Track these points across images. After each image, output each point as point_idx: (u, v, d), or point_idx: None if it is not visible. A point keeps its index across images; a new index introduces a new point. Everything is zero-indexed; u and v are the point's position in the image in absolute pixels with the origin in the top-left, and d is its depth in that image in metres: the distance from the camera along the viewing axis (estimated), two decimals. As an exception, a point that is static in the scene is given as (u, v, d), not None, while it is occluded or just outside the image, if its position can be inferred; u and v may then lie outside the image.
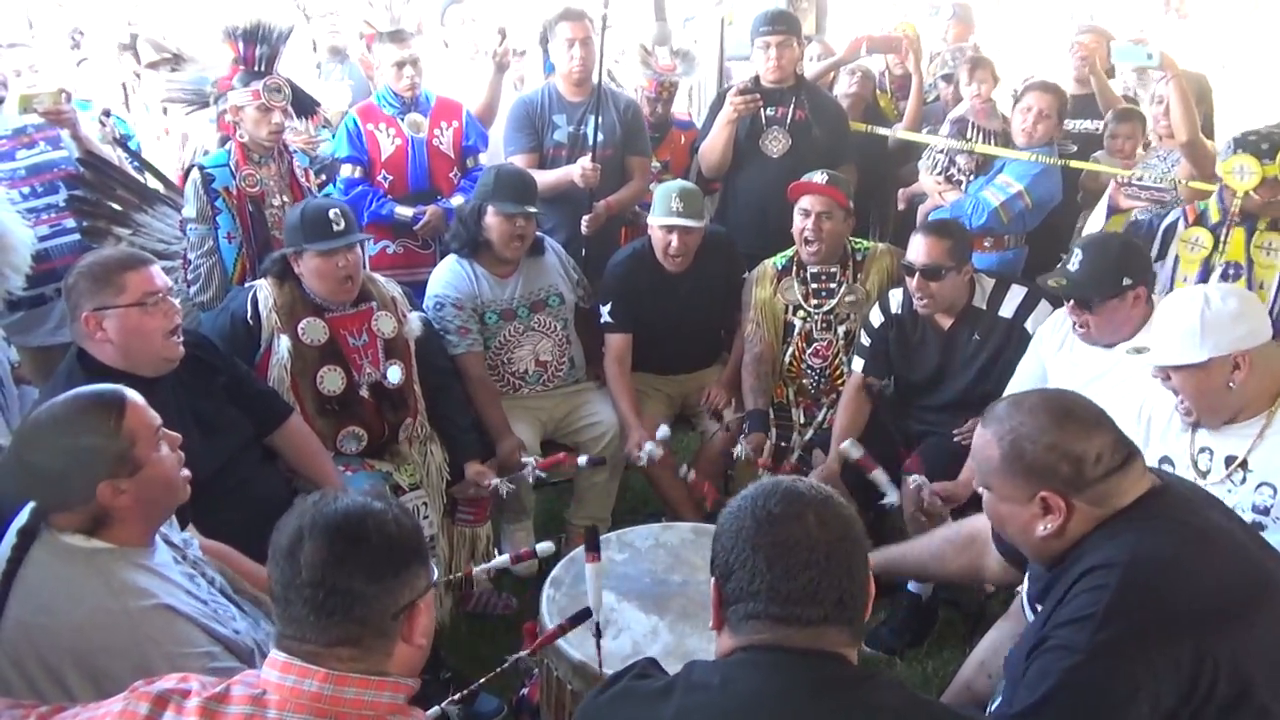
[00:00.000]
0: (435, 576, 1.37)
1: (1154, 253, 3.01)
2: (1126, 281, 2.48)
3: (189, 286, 3.27)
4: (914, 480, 2.74)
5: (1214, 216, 3.10)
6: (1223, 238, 3.00)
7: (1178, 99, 3.70)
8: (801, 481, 1.32)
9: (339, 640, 1.24)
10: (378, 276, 3.05)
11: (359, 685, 1.23)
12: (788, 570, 1.21)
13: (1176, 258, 3.04)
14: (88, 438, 1.61)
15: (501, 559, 2.39)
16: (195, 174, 3.18)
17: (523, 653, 2.07)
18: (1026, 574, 1.83)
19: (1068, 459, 1.50)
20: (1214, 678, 1.39)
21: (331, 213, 2.73)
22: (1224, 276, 3.01)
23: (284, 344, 2.72)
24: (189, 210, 3.20)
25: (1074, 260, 2.57)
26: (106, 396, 1.68)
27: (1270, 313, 2.77)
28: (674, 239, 3.25)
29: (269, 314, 2.73)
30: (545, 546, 2.34)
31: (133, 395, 1.71)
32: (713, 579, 1.30)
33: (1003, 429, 1.57)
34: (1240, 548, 1.54)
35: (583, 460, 3.07)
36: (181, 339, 2.31)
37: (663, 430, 3.15)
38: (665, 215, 3.24)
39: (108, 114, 3.97)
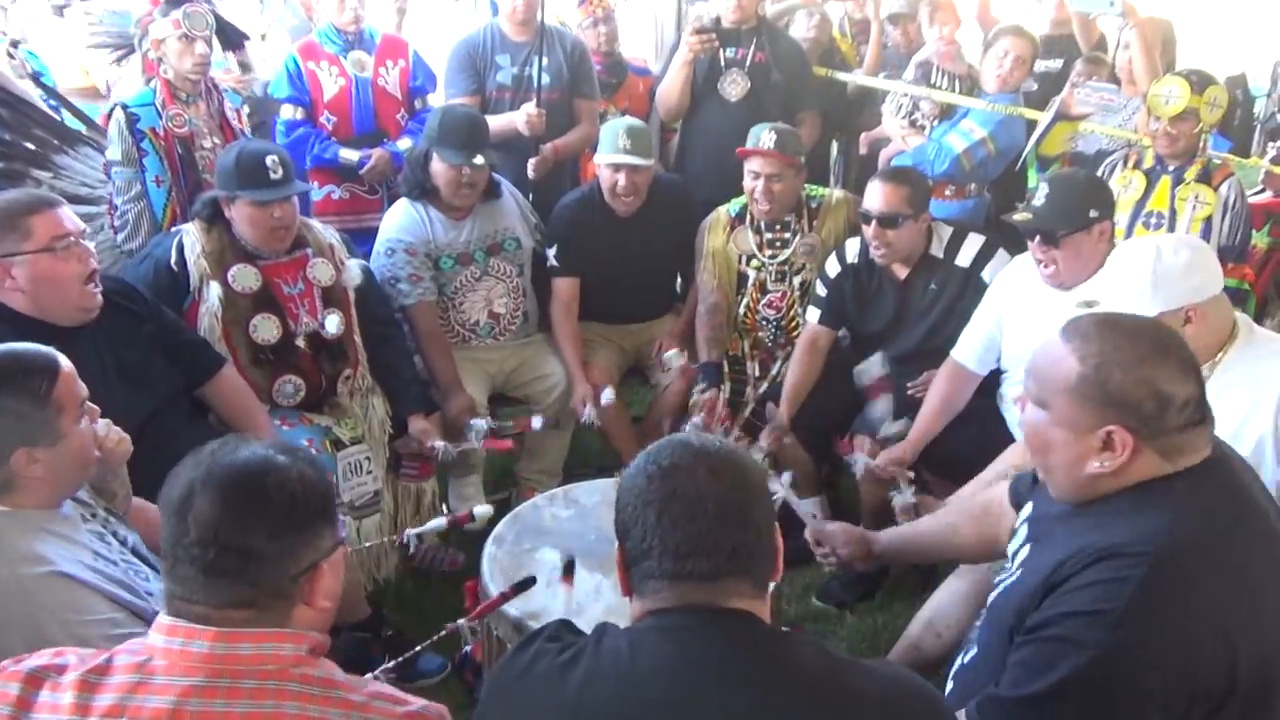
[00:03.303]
0: (344, 534, 1.28)
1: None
2: (1093, 214, 2.44)
3: (116, 233, 3.12)
4: (857, 464, 2.70)
5: (1148, 161, 3.09)
6: (1152, 184, 3.00)
7: (1139, 47, 3.66)
8: (701, 435, 1.29)
9: (231, 603, 1.15)
10: (313, 222, 2.92)
11: (254, 640, 1.15)
12: (674, 522, 1.17)
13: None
14: (13, 400, 1.52)
15: (436, 522, 2.32)
16: (118, 113, 3.01)
17: (461, 621, 2.01)
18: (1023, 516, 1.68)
19: (1156, 397, 1.34)
20: (1233, 677, 1.30)
21: (269, 159, 2.57)
22: (1146, 225, 3.00)
23: (214, 291, 2.59)
24: (113, 152, 3.04)
25: (1040, 195, 2.52)
26: (40, 361, 1.57)
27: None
28: (621, 178, 3.14)
29: (196, 260, 2.59)
30: (483, 510, 2.26)
31: (66, 363, 1.61)
32: (616, 543, 1.26)
33: (1090, 348, 1.39)
34: (1274, 534, 1.42)
35: (536, 423, 2.97)
36: (100, 286, 2.18)
37: (607, 394, 3.06)
38: (611, 153, 3.12)
39: (16, 45, 3.74)
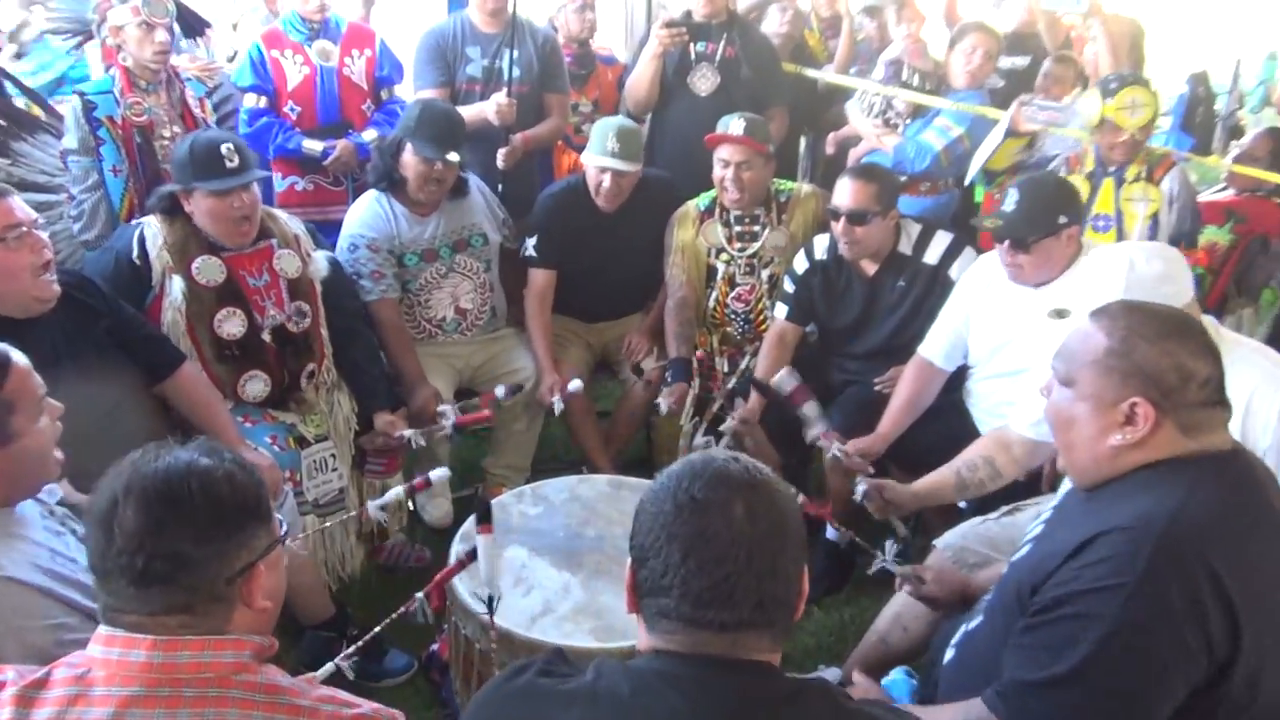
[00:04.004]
0: (284, 531, 1.26)
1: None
2: (1062, 220, 2.46)
3: (73, 223, 3.05)
4: (831, 451, 2.69)
5: (1089, 165, 3.12)
6: (1095, 188, 3.03)
7: (1105, 45, 3.70)
8: (736, 462, 1.14)
9: (165, 609, 1.14)
10: (279, 213, 2.85)
11: (193, 648, 1.13)
12: (701, 565, 1.06)
13: None
14: None
15: (395, 491, 2.29)
16: (75, 101, 2.94)
17: (419, 595, 1.97)
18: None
19: (1178, 370, 1.40)
20: (1237, 645, 1.32)
21: (224, 147, 2.51)
22: (1095, 228, 3.04)
23: (177, 285, 2.53)
24: (69, 141, 2.97)
25: (1010, 200, 2.53)
26: None
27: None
28: (606, 179, 3.12)
29: (159, 253, 2.52)
30: (440, 474, 2.22)
31: (19, 358, 1.54)
32: (629, 559, 1.16)
33: (1117, 324, 1.46)
34: None
35: (500, 392, 2.93)
36: (55, 277, 2.12)
37: (575, 384, 3.04)
38: (600, 155, 3.11)
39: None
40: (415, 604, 1.96)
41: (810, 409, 2.67)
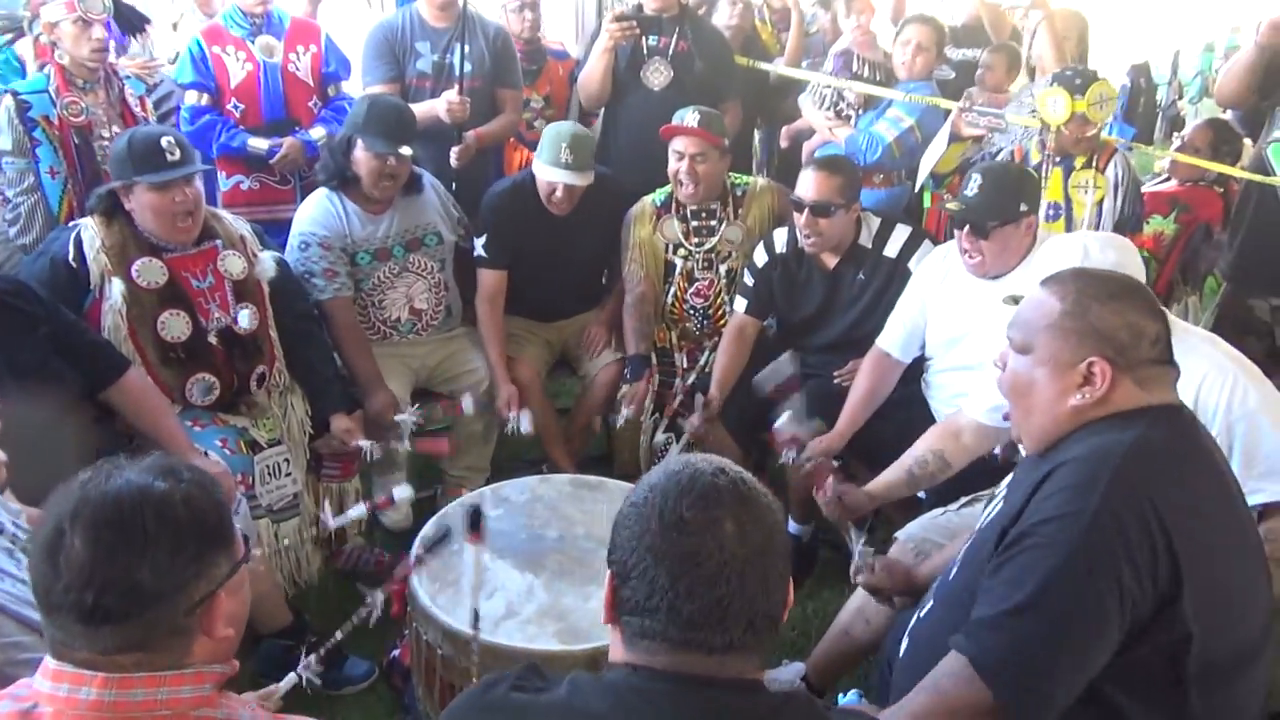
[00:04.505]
0: (245, 553, 1.18)
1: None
2: (1023, 207, 2.49)
3: (9, 227, 2.95)
4: (786, 456, 2.70)
5: (1034, 156, 3.17)
6: (1043, 177, 3.08)
7: (1049, 39, 3.74)
8: (723, 474, 1.09)
9: (118, 648, 1.06)
10: (223, 213, 2.79)
11: (147, 685, 1.06)
12: (692, 589, 1.02)
13: None
14: None
15: (357, 510, 2.24)
16: (8, 100, 2.84)
17: (378, 591, 1.93)
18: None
19: (1130, 329, 1.45)
20: (1177, 579, 1.35)
21: (164, 140, 2.44)
22: (1047, 218, 3.08)
23: (117, 288, 2.45)
24: (3, 142, 2.89)
25: (971, 185, 2.55)
26: None
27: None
28: (559, 190, 3.09)
29: (96, 255, 2.44)
30: (403, 493, 2.17)
31: None
32: (609, 571, 1.11)
33: (1068, 288, 1.51)
34: (1226, 483, 1.50)
35: (468, 405, 2.87)
36: (-12, 287, 2.04)
37: (525, 423, 2.97)
38: (552, 165, 3.05)
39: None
40: (373, 605, 1.91)
41: (792, 405, 2.68)
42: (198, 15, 4.32)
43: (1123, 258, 2.02)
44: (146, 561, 1.06)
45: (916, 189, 3.84)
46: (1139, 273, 2.04)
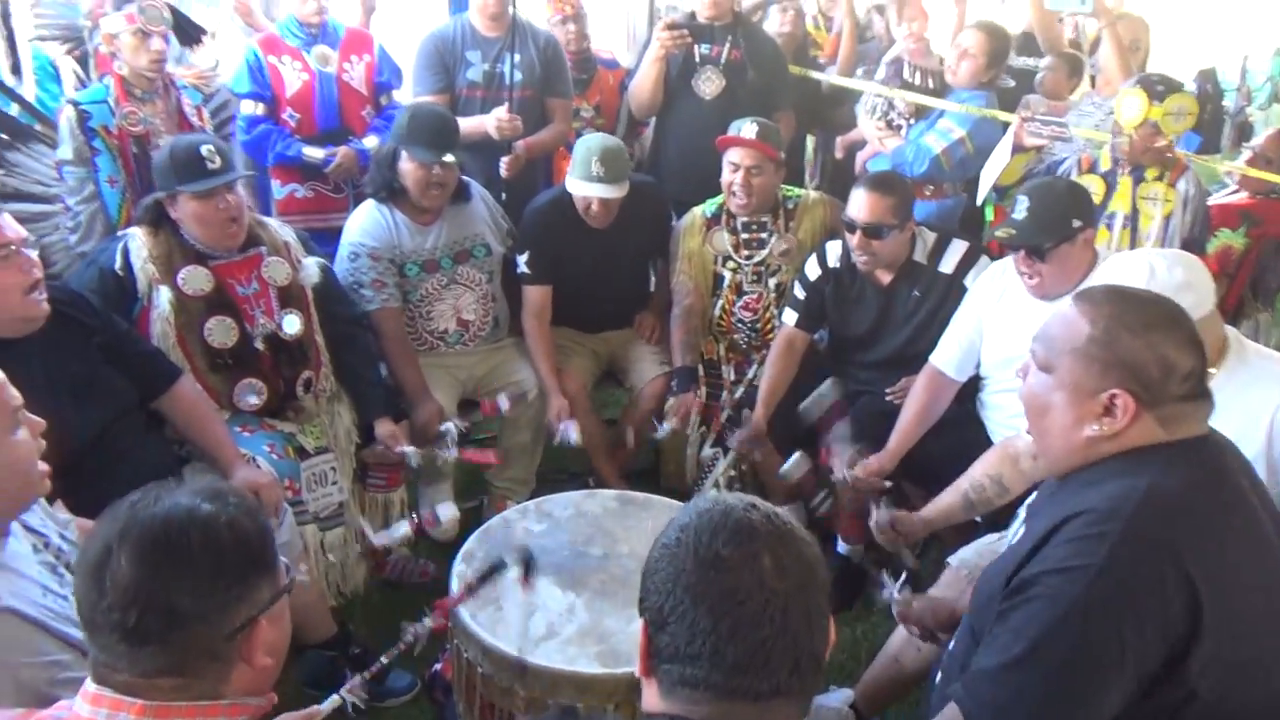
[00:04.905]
0: (289, 580, 1.18)
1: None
2: (1076, 223, 2.40)
3: (70, 235, 3.00)
4: (837, 479, 2.65)
5: (1105, 164, 3.07)
6: (1111, 185, 2.98)
7: (1112, 47, 3.63)
8: (755, 509, 1.06)
9: (158, 671, 1.06)
10: (268, 220, 2.81)
11: (185, 715, 1.07)
12: (735, 629, 0.98)
13: None
14: None
15: (402, 528, 2.22)
16: (70, 111, 2.90)
17: (416, 626, 1.92)
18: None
19: (1161, 363, 1.36)
20: (1197, 621, 1.29)
21: (204, 149, 2.46)
22: (1109, 227, 2.97)
23: (164, 296, 2.47)
24: (64, 152, 2.94)
25: (1020, 209, 2.47)
26: None
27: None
28: (594, 204, 3.07)
29: (144, 265, 2.47)
30: (448, 513, 2.14)
31: None
32: (642, 620, 1.06)
33: (1100, 311, 1.41)
34: (1256, 519, 1.41)
35: (504, 404, 2.84)
36: (44, 296, 2.06)
37: (571, 435, 2.93)
38: (584, 180, 3.03)
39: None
40: (419, 634, 1.91)
41: (839, 431, 2.62)
42: (238, 23, 4.39)
43: (1191, 276, 1.92)
44: (189, 582, 1.07)
45: (979, 203, 3.74)
46: (1209, 291, 1.94)
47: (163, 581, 1.05)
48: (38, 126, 3.22)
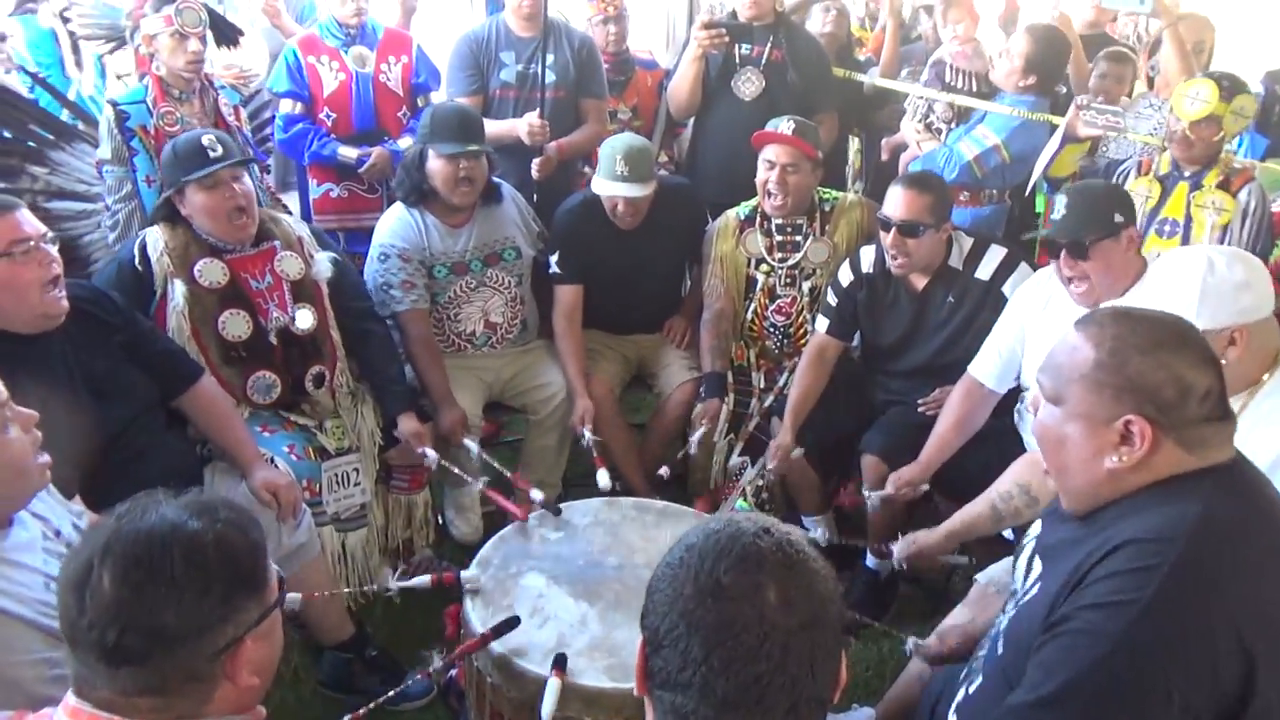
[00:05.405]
0: (279, 597, 1.15)
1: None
2: (1119, 218, 2.29)
3: (109, 233, 3.05)
4: (870, 501, 2.60)
5: (1164, 167, 2.95)
6: (1167, 190, 2.86)
7: (1174, 48, 3.49)
8: (767, 535, 1.00)
9: (138, 690, 1.04)
10: (281, 215, 2.82)
11: None
12: (727, 664, 0.93)
13: None
14: None
15: (421, 580, 2.22)
16: (109, 111, 2.94)
17: (433, 667, 1.94)
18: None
19: (1176, 384, 1.27)
20: (1251, 682, 1.19)
21: (205, 139, 2.47)
22: (1160, 233, 2.84)
23: (179, 289, 2.49)
24: (103, 151, 2.98)
25: (1059, 208, 2.37)
26: None
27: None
28: (620, 205, 3.02)
29: (160, 258, 2.48)
30: (471, 575, 2.13)
31: None
32: (641, 637, 1.02)
33: (1105, 334, 1.32)
34: None
35: (537, 496, 2.70)
36: (64, 293, 2.07)
37: (604, 482, 2.72)
38: (609, 179, 2.98)
39: (3, 38, 3.67)
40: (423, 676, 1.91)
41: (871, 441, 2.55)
42: (263, 23, 4.42)
43: (1251, 276, 1.80)
44: (171, 603, 1.04)
45: (1028, 192, 3.60)
46: (1269, 295, 1.82)
47: (143, 602, 1.03)
48: (81, 126, 3.28)
